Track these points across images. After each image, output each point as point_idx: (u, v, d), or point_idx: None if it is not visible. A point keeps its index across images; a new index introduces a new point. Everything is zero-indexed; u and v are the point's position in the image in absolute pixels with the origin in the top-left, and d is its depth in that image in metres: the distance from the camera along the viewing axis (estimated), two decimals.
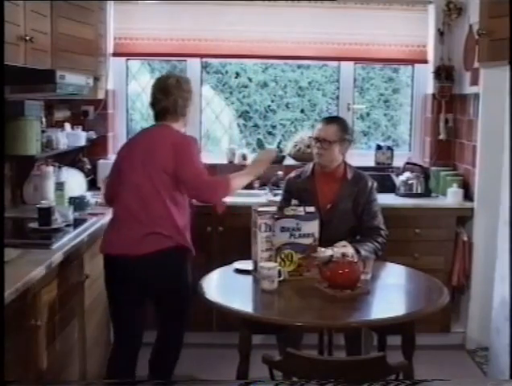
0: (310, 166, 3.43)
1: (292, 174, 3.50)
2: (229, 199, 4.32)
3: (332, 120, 3.41)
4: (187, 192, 3.00)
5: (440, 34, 4.40)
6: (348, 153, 4.42)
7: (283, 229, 2.85)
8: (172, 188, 2.93)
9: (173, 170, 2.90)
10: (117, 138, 4.69)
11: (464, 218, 4.15)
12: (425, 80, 4.59)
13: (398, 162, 4.53)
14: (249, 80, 4.83)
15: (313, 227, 2.89)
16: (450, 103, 4.44)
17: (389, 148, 4.61)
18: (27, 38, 2.79)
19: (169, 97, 3.02)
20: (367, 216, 3.30)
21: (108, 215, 3.51)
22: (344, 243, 3.04)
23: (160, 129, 3.06)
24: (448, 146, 4.51)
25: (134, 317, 3.06)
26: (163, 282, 2.98)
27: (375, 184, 3.38)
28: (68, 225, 3.11)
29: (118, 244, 2.92)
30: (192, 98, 3.16)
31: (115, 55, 4.51)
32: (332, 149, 3.27)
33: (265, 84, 4.82)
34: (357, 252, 3.01)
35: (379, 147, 4.60)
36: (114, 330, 3.16)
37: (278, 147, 4.65)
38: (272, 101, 4.83)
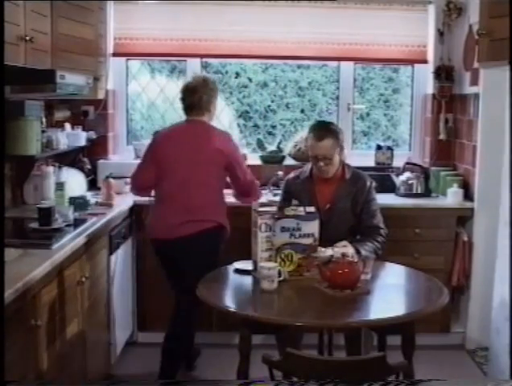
0: (308, 166, 3.42)
1: (291, 176, 3.50)
2: (228, 199, 4.33)
3: (323, 135, 3.25)
4: (235, 187, 3.55)
5: (440, 34, 4.40)
6: (348, 153, 4.45)
7: (283, 229, 2.85)
8: (217, 177, 3.42)
9: (225, 164, 3.40)
10: (117, 138, 4.70)
11: (464, 218, 4.15)
12: (425, 80, 4.59)
13: (398, 162, 4.52)
14: (249, 80, 4.83)
15: (313, 227, 2.89)
16: (450, 103, 4.44)
17: (389, 148, 4.61)
18: (27, 38, 2.78)
19: (195, 94, 3.43)
20: (366, 215, 3.30)
21: (108, 215, 3.52)
22: (344, 243, 3.04)
23: (198, 125, 3.46)
24: (448, 146, 4.51)
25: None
26: (200, 256, 3.33)
27: (373, 183, 3.38)
28: (68, 225, 3.11)
29: (166, 230, 3.37)
30: (217, 96, 3.56)
31: (115, 55, 4.51)
32: (333, 162, 3.28)
33: (265, 84, 4.82)
34: (358, 252, 3.02)
35: (379, 147, 4.60)
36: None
37: (277, 147, 4.65)
38: (272, 101, 4.83)
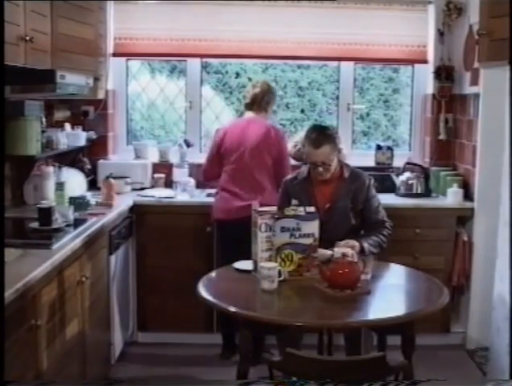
0: (306, 167, 3.40)
1: (289, 177, 3.48)
2: None
3: (321, 142, 3.20)
4: (277, 174, 3.83)
5: (440, 34, 4.40)
6: (348, 153, 4.45)
7: (284, 229, 2.85)
8: (273, 165, 3.86)
9: (277, 155, 3.86)
10: (117, 138, 4.70)
11: (464, 218, 4.14)
12: (425, 80, 4.59)
13: (398, 162, 4.52)
14: (250, 80, 4.82)
15: (313, 227, 2.89)
16: (450, 103, 4.44)
17: (389, 148, 4.61)
18: (27, 38, 2.78)
19: (258, 94, 3.91)
20: (369, 213, 3.30)
21: (108, 215, 3.52)
22: (345, 242, 3.04)
23: (258, 120, 3.91)
24: (448, 146, 4.50)
25: None
26: None
27: (372, 181, 3.38)
28: (68, 225, 3.11)
29: (231, 212, 3.78)
30: (274, 100, 4.06)
31: (115, 55, 4.51)
32: (332, 166, 3.25)
33: None
34: (362, 248, 3.03)
35: (379, 147, 4.60)
36: None
37: None
38: None
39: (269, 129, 3.88)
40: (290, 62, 4.75)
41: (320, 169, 3.25)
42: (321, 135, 3.25)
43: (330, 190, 3.31)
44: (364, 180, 3.34)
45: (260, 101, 3.91)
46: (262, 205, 3.37)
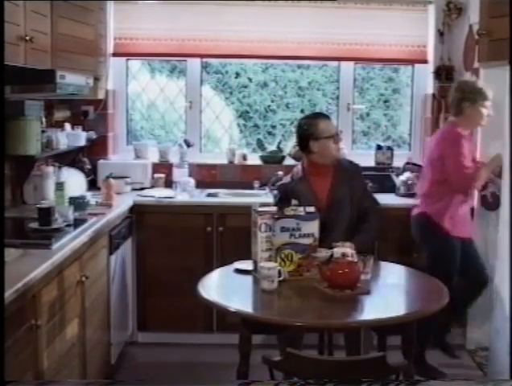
0: (299, 166, 3.38)
1: (283, 181, 3.44)
2: (228, 199, 4.35)
3: (326, 115, 3.41)
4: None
5: (440, 34, 4.40)
6: (349, 153, 4.45)
7: (283, 229, 2.85)
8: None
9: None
10: (117, 138, 4.70)
11: None
12: (425, 80, 4.59)
13: (398, 162, 4.52)
14: (249, 80, 4.83)
15: (313, 227, 2.89)
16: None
17: (389, 148, 4.61)
18: (27, 38, 2.78)
19: (451, 95, 3.77)
20: (364, 198, 3.34)
21: (108, 215, 3.51)
22: (340, 243, 3.03)
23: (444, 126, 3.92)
24: None
25: None
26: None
27: (360, 166, 3.45)
28: (68, 225, 3.10)
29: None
30: (469, 99, 3.61)
31: (115, 55, 4.51)
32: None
33: (265, 84, 4.82)
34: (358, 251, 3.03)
35: (379, 147, 4.60)
36: None
37: (277, 147, 4.65)
38: (272, 101, 4.83)
39: (440, 132, 3.83)
40: (290, 62, 4.75)
41: (338, 140, 3.32)
42: (321, 113, 3.49)
43: (328, 183, 3.28)
44: (356, 166, 3.40)
45: (451, 103, 3.76)
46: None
